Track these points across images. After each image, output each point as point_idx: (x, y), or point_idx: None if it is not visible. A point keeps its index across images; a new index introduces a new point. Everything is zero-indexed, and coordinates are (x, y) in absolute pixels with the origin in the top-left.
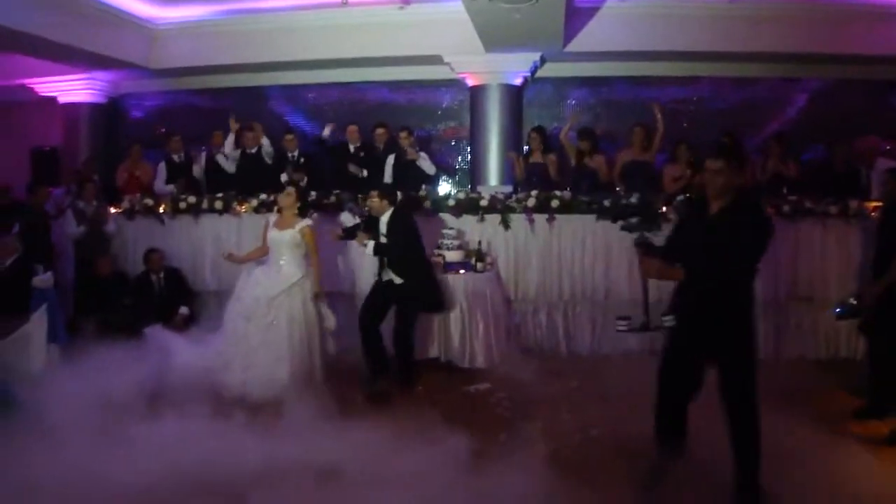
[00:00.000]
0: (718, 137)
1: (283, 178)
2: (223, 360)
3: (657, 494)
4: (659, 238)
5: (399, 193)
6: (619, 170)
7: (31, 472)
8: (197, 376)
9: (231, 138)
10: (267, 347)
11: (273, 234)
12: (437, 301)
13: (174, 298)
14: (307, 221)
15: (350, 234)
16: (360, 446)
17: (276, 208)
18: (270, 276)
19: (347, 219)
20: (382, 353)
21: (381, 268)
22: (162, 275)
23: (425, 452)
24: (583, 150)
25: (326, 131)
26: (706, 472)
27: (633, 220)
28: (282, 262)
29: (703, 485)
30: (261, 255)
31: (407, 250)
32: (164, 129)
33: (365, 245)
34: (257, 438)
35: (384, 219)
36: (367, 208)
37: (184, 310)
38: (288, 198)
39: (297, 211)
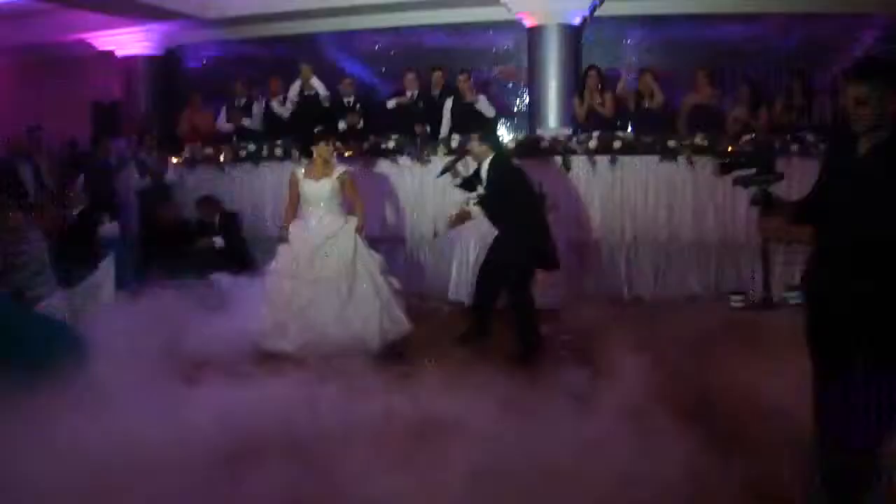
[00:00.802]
0: (783, 77)
1: (341, 125)
2: (276, 326)
3: None
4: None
5: (456, 139)
6: (685, 113)
7: (82, 429)
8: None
9: (297, 84)
10: (320, 305)
11: (308, 186)
12: (544, 256)
13: (231, 242)
14: (345, 167)
15: (468, 183)
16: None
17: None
18: (308, 231)
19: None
20: (483, 316)
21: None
22: (217, 219)
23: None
24: (643, 92)
25: None
26: None
27: (748, 171)
28: (321, 214)
29: None
30: (294, 214)
31: (507, 201)
32: (219, 79)
33: (467, 204)
34: (333, 396)
35: (485, 166)
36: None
37: (217, 240)
38: (326, 149)
39: (332, 159)
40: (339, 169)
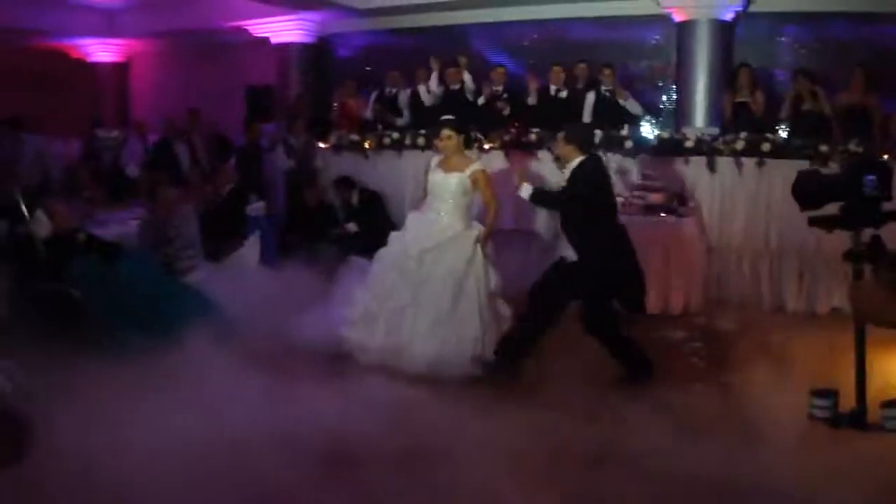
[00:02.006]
0: None
1: (479, 98)
2: (366, 315)
3: None
4: None
5: (597, 135)
6: (837, 115)
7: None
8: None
9: (434, 76)
10: (416, 311)
11: (437, 176)
12: (631, 295)
13: (371, 223)
14: (479, 165)
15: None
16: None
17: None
18: (424, 225)
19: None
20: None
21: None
22: (355, 199)
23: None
24: (801, 93)
25: None
26: None
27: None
28: (442, 212)
29: None
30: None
31: (585, 211)
32: (367, 68)
33: (519, 188)
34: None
35: (570, 167)
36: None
37: (350, 226)
38: (450, 141)
39: (464, 153)
40: (474, 165)
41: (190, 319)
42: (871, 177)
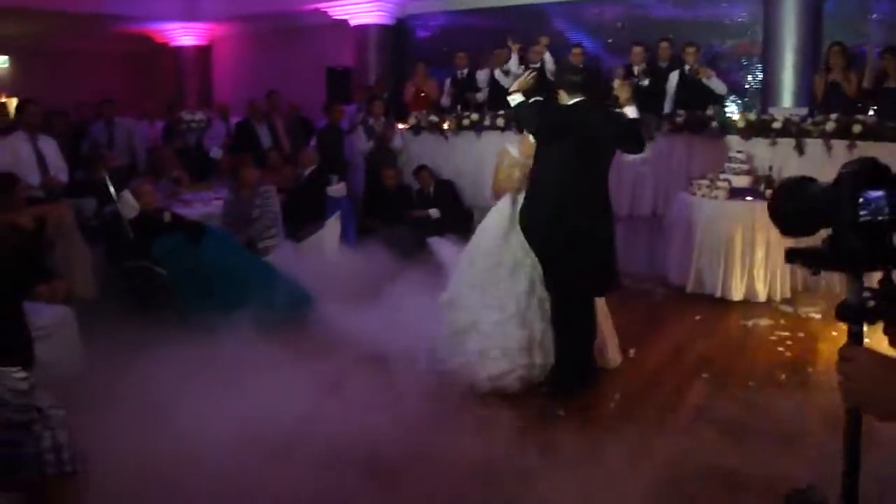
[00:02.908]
0: None
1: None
2: (452, 303)
3: None
4: None
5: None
6: None
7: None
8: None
9: (515, 58)
10: (485, 304)
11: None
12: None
13: (446, 211)
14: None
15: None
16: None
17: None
18: (502, 211)
19: None
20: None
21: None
22: (432, 188)
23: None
24: (887, 70)
25: None
26: None
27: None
28: (520, 197)
29: None
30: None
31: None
32: (446, 49)
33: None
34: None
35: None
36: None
37: (433, 211)
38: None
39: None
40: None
41: (272, 299)
42: (875, 193)
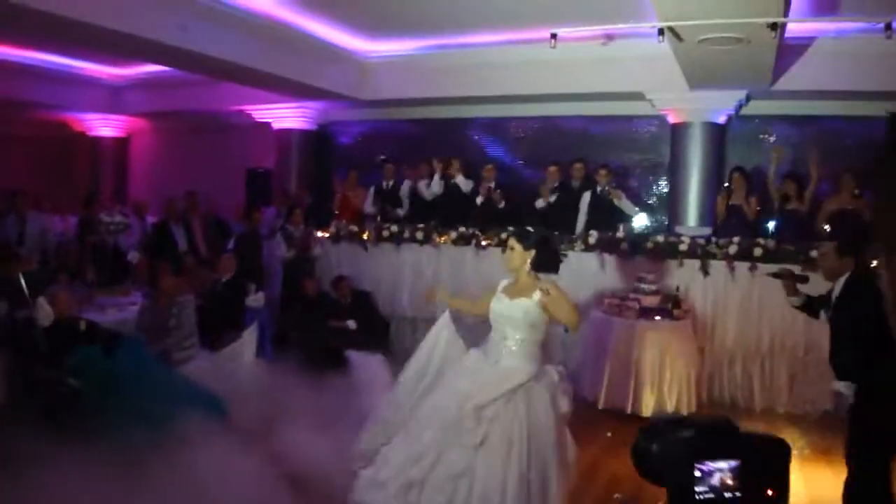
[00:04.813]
0: None
1: (479, 199)
2: (406, 484)
3: None
4: None
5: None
6: (824, 217)
7: None
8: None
9: (437, 177)
10: (473, 482)
11: (499, 305)
12: None
13: (363, 322)
14: (547, 284)
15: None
16: None
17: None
18: (484, 372)
19: None
20: None
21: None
22: (350, 299)
23: None
24: (788, 194)
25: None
26: None
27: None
28: (505, 349)
29: None
30: (471, 312)
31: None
32: (383, 157)
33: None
34: None
35: (840, 283)
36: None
37: (351, 323)
38: (512, 253)
39: (532, 270)
40: (542, 285)
41: (188, 413)
42: (714, 465)
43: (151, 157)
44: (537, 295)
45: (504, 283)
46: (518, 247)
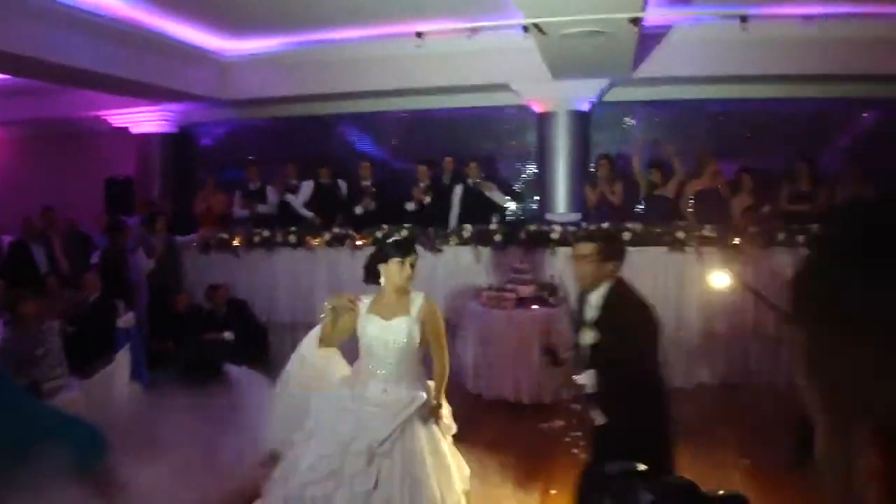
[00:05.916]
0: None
1: (358, 209)
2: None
3: None
4: None
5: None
6: (691, 199)
7: None
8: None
9: (308, 187)
10: None
11: (374, 328)
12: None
13: (240, 331)
14: (423, 294)
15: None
16: None
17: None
18: (369, 411)
19: None
20: None
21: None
22: (225, 310)
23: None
24: (654, 182)
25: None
26: None
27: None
28: (387, 380)
29: None
30: (330, 342)
31: (628, 362)
32: (251, 157)
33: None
34: None
35: (599, 293)
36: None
37: (228, 334)
38: (400, 270)
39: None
40: (418, 299)
41: (62, 448)
42: None
43: (3, 172)
44: (415, 309)
45: (365, 301)
46: (404, 264)
